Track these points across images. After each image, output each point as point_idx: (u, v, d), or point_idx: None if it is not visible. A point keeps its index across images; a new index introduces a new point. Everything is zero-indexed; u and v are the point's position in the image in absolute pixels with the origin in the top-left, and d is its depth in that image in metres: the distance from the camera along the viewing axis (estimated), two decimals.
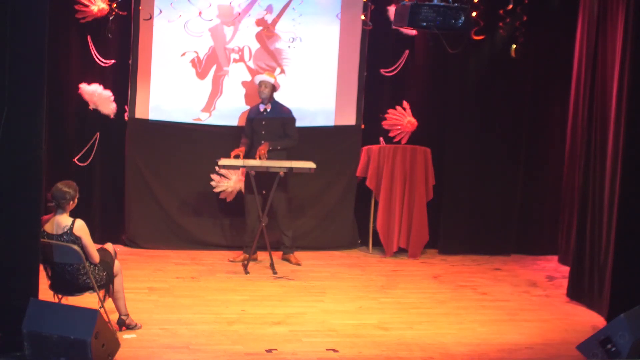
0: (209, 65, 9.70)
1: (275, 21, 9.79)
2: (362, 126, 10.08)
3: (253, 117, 9.30)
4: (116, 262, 6.97)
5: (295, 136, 9.32)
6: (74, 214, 6.78)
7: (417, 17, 8.40)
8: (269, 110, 9.24)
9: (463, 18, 8.49)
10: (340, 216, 10.14)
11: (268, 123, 9.22)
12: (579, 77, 9.31)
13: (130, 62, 9.48)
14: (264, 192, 9.14)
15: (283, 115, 9.28)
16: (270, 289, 8.45)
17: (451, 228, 10.11)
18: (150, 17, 9.42)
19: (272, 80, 9.26)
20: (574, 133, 9.51)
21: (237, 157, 9.08)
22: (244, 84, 9.77)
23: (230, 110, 9.79)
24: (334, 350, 6.79)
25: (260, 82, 9.25)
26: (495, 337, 7.31)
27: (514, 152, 10.10)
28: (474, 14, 9.11)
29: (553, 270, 9.61)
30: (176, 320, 7.33)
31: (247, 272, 8.93)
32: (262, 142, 9.16)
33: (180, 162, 9.70)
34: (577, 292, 8.39)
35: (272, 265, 9.02)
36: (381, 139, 10.12)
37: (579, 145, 9.02)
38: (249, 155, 9.21)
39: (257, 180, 8.98)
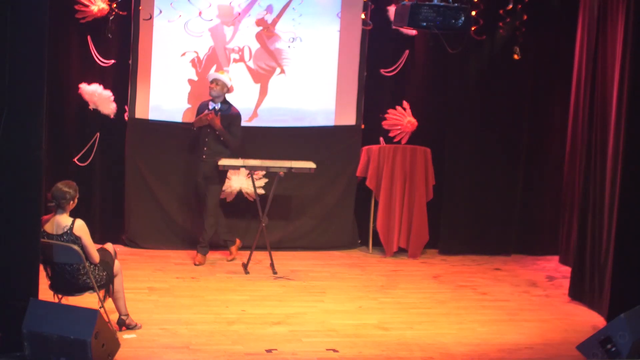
0: (209, 65, 9.70)
1: (275, 21, 9.79)
2: (362, 126, 10.08)
3: (201, 112, 9.14)
4: (116, 262, 6.98)
5: (238, 135, 9.15)
6: (74, 214, 6.78)
7: (417, 17, 8.40)
8: (217, 109, 9.09)
9: (463, 18, 8.49)
10: (340, 216, 10.13)
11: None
12: (579, 77, 9.32)
13: (130, 62, 9.48)
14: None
15: (230, 115, 9.12)
16: (270, 289, 8.45)
17: (451, 228, 10.10)
18: (150, 17, 9.42)
19: (225, 80, 9.13)
20: (575, 133, 9.51)
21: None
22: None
23: None
24: (334, 350, 6.79)
25: (213, 80, 9.10)
26: (495, 337, 7.31)
27: (514, 152, 10.09)
28: (473, 12, 9.10)
29: (553, 270, 9.61)
30: (176, 320, 7.33)
31: (247, 272, 8.93)
32: (206, 139, 9.07)
33: (180, 162, 9.69)
34: (579, 292, 8.39)
35: (272, 265, 9.02)
36: (381, 139, 10.12)
37: (580, 145, 9.02)
38: (199, 148, 9.14)
39: (199, 169, 9.11)
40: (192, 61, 9.67)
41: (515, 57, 9.72)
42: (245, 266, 9.03)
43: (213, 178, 9.13)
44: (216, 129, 8.99)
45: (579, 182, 8.56)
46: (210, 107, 9.10)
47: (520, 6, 9.59)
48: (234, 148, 9.15)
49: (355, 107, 10.03)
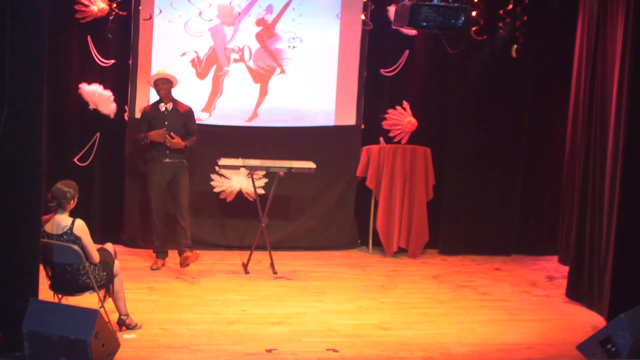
0: (209, 65, 9.71)
1: (275, 21, 9.79)
2: (362, 126, 10.09)
3: (151, 117, 8.83)
4: (116, 262, 6.97)
5: (196, 131, 8.97)
6: (74, 214, 6.78)
7: (417, 17, 8.40)
8: (170, 109, 8.85)
9: (463, 18, 8.49)
10: (340, 216, 10.14)
11: (171, 123, 8.82)
12: (579, 77, 9.32)
13: (130, 62, 9.48)
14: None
15: (184, 113, 8.90)
16: (270, 289, 8.45)
17: (451, 228, 10.11)
18: (150, 17, 9.42)
19: (170, 77, 8.85)
20: (574, 133, 9.51)
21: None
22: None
23: (230, 110, 9.79)
24: (334, 350, 6.79)
25: (157, 81, 8.80)
26: (495, 337, 7.31)
27: (514, 152, 10.10)
28: (473, 13, 9.10)
29: (553, 270, 9.61)
30: (176, 320, 7.33)
31: (247, 272, 8.93)
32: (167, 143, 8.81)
33: None
34: (577, 292, 8.39)
35: (272, 265, 9.02)
36: (381, 139, 10.13)
37: (579, 145, 9.02)
38: (157, 151, 8.79)
39: (162, 172, 8.84)
40: (192, 61, 9.67)
41: (514, 54, 9.74)
42: (245, 266, 9.03)
43: (182, 178, 8.91)
44: (183, 149, 8.79)
45: (579, 181, 8.56)
46: (161, 109, 8.82)
47: (520, 7, 9.59)
48: (195, 146, 9.01)
49: (355, 107, 10.03)
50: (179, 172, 8.90)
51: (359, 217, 10.22)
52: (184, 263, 8.79)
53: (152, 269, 8.86)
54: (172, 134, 8.77)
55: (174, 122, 8.86)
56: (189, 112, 8.97)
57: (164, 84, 8.81)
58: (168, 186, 8.96)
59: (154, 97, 9.55)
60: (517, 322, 7.74)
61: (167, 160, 8.86)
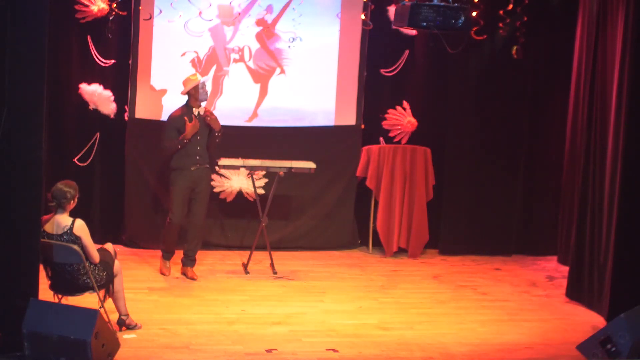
0: (209, 65, 9.70)
1: (275, 21, 9.79)
2: (362, 126, 10.09)
3: (182, 123, 8.43)
4: (116, 262, 6.98)
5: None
6: (74, 214, 6.78)
7: (417, 17, 8.40)
8: (202, 113, 8.60)
9: (463, 18, 8.49)
10: (340, 216, 10.14)
11: (203, 126, 8.58)
12: (579, 77, 9.31)
13: (130, 62, 9.48)
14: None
15: (209, 116, 8.67)
16: (270, 289, 8.45)
17: (451, 228, 10.10)
18: (150, 17, 9.42)
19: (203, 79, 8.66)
20: (574, 133, 9.51)
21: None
22: None
23: (230, 110, 9.79)
24: (334, 350, 6.79)
25: (203, 84, 8.52)
26: (495, 337, 7.31)
27: (514, 151, 10.10)
28: (474, 13, 9.11)
29: (553, 270, 9.61)
30: (176, 320, 7.33)
31: (247, 272, 8.93)
32: (198, 148, 8.51)
33: None
34: (577, 292, 8.40)
35: (272, 265, 9.02)
36: (381, 139, 10.13)
37: (579, 145, 9.02)
38: (186, 159, 8.50)
39: (190, 180, 8.55)
40: (192, 61, 9.67)
41: (514, 54, 9.74)
42: (245, 266, 9.03)
43: (204, 184, 8.70)
44: (218, 130, 8.56)
45: (579, 181, 8.56)
46: (195, 113, 8.55)
47: (520, 7, 9.60)
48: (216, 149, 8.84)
49: (355, 107, 10.03)
50: (203, 177, 8.62)
51: (359, 217, 10.22)
52: (183, 273, 8.75)
53: (162, 274, 8.70)
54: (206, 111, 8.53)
55: (202, 127, 8.58)
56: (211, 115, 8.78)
57: (203, 87, 8.56)
58: (190, 193, 8.66)
59: (154, 97, 9.56)
60: (517, 322, 7.74)
61: (196, 166, 8.58)
